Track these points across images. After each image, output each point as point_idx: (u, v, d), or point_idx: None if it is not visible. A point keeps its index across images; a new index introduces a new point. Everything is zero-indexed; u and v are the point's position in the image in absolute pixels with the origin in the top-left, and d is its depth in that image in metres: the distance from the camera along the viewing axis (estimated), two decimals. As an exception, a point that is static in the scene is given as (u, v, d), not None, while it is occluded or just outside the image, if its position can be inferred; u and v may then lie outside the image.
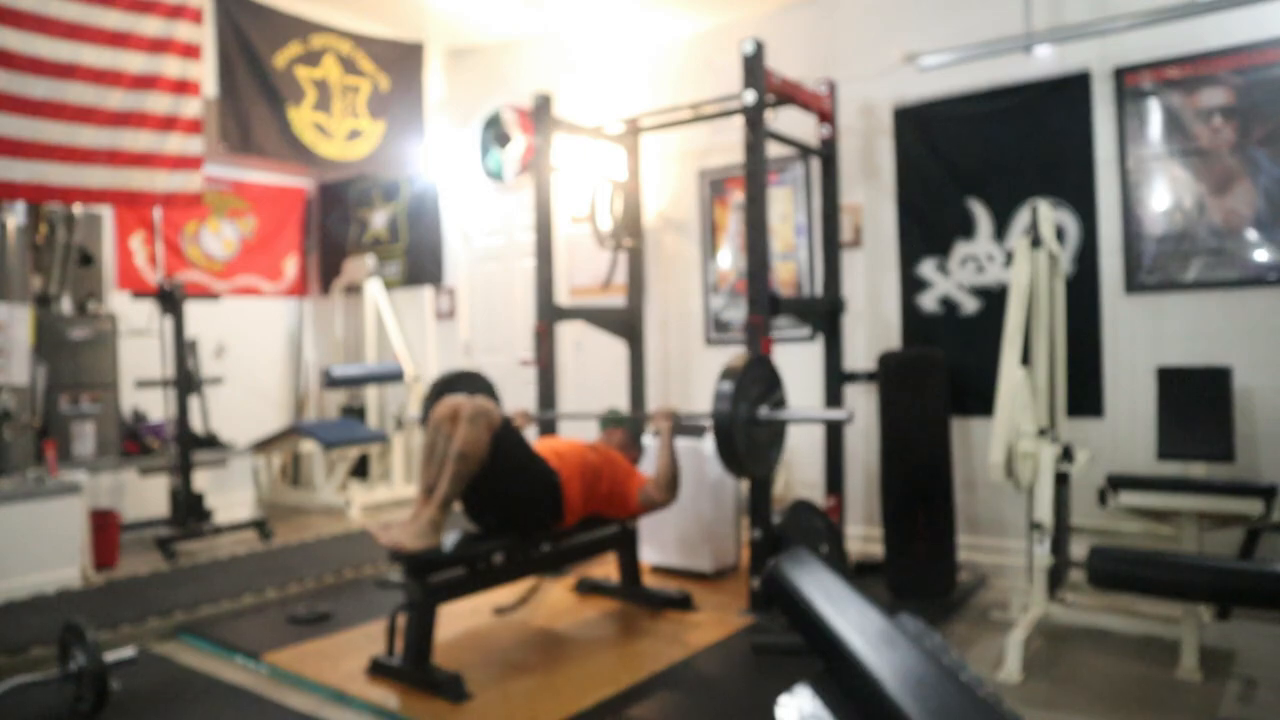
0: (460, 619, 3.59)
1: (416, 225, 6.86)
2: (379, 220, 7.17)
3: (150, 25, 4.75)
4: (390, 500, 6.31)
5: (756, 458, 3.26)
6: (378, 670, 3.04)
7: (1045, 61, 4.10)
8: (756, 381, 3.23)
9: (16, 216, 4.77)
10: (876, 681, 1.24)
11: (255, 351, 7.15)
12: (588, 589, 3.99)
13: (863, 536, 4.62)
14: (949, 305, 4.44)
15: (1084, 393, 3.98)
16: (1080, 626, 3.39)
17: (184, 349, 5.07)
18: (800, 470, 4.86)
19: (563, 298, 5.63)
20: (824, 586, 1.51)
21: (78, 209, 5.33)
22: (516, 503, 3.21)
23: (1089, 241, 4.04)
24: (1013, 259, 3.47)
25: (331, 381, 6.24)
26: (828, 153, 4.39)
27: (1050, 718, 2.67)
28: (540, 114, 4.34)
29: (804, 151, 4.35)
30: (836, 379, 4.37)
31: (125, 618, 3.57)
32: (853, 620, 1.39)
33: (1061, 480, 3.35)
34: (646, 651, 3.27)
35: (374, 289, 6.86)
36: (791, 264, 4.98)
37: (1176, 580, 2.48)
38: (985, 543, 4.28)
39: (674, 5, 5.03)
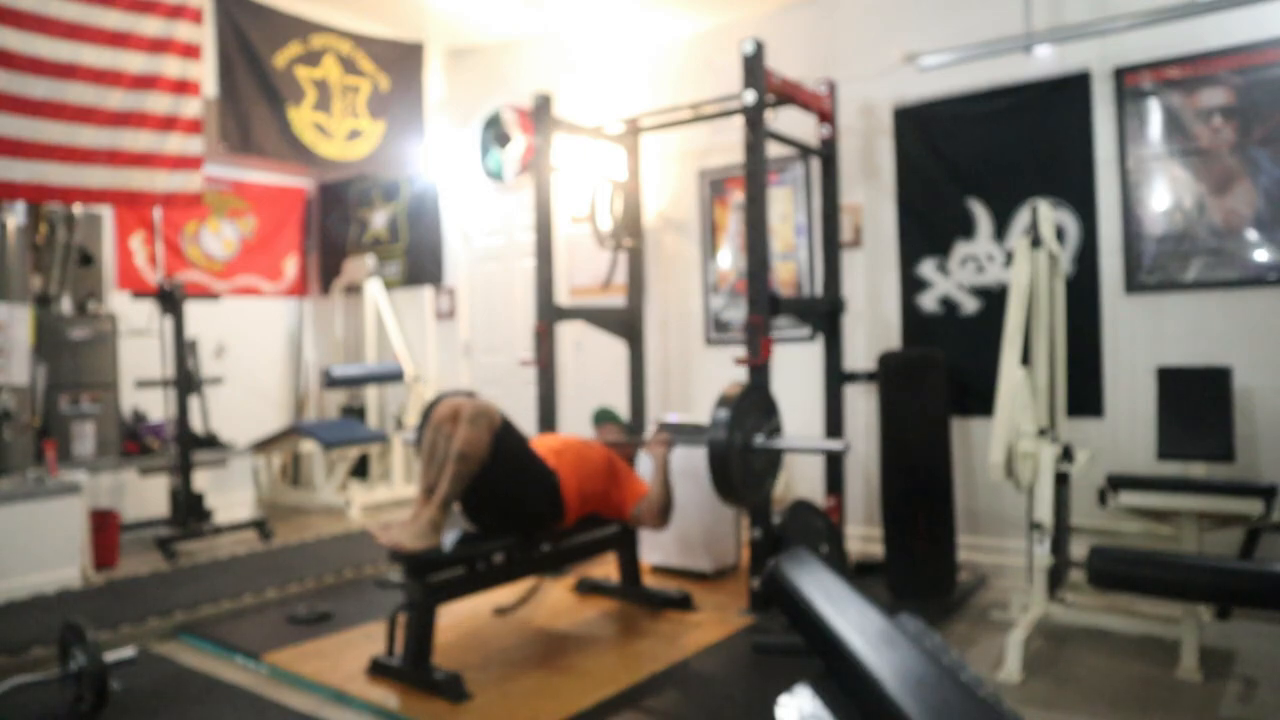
0: (460, 619, 3.59)
1: (416, 225, 6.86)
2: (379, 220, 7.17)
3: (150, 25, 4.75)
4: (390, 500, 6.31)
5: (752, 487, 3.26)
6: (378, 670, 3.04)
7: (1045, 61, 4.10)
8: (752, 410, 3.22)
9: (16, 216, 4.76)
10: (876, 681, 1.24)
11: (255, 351, 7.16)
12: (588, 589, 3.99)
13: (863, 536, 4.62)
14: (949, 305, 4.44)
15: (1084, 393, 3.98)
16: (1080, 626, 3.39)
17: (184, 349, 5.07)
18: (800, 470, 4.85)
19: (563, 298, 5.63)
20: (824, 586, 1.51)
21: (78, 209, 5.33)
22: (516, 503, 3.21)
23: (1089, 241, 4.04)
24: (1013, 259, 3.48)
25: (331, 381, 6.24)
26: (828, 153, 4.39)
27: (1050, 718, 2.67)
28: (540, 114, 4.34)
29: (804, 151, 4.35)
30: (836, 379, 4.37)
31: (125, 618, 3.57)
32: (853, 620, 1.39)
33: (1061, 480, 3.35)
34: (646, 651, 3.27)
35: (374, 289, 6.86)
36: (791, 264, 4.98)
37: (1176, 580, 2.48)
38: (985, 543, 4.28)
39: (674, 5, 5.03)
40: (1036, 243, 3.40)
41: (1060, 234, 4.03)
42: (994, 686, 2.89)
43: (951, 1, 4.38)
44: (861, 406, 4.61)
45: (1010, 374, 3.15)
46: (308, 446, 6.28)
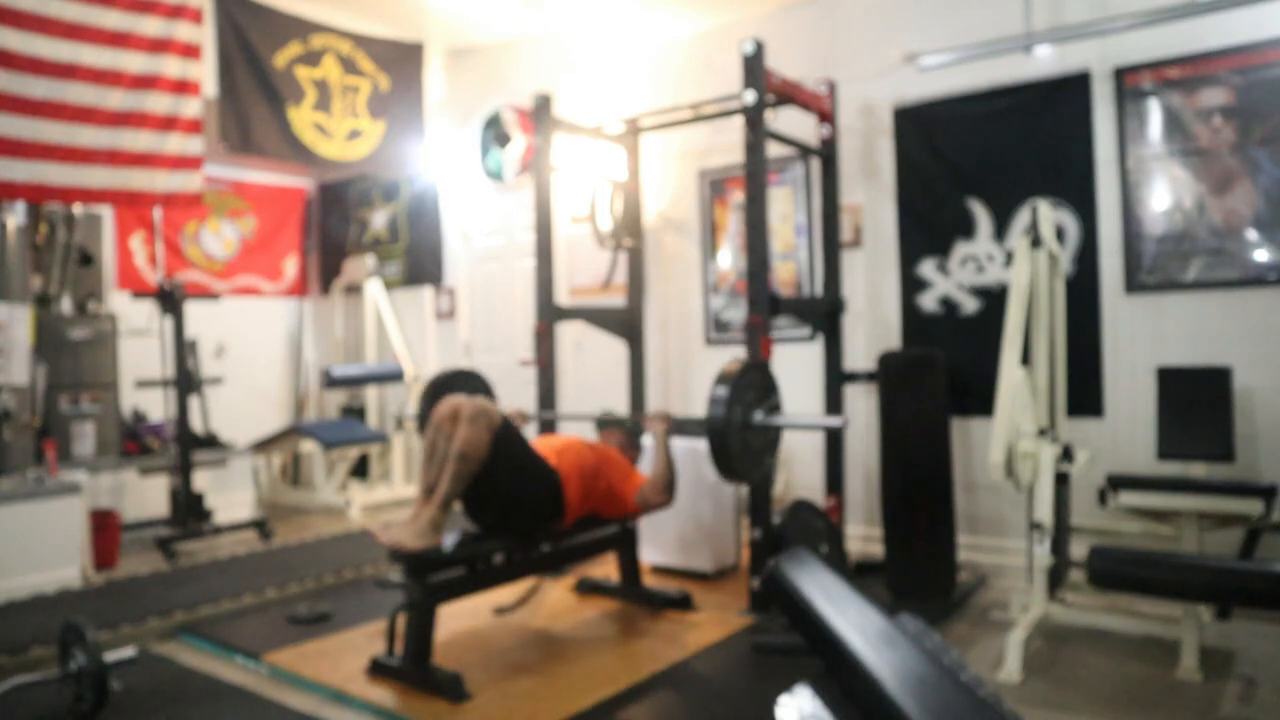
0: (460, 619, 3.59)
1: (416, 225, 6.86)
2: (379, 220, 7.17)
3: (150, 25, 4.75)
4: (390, 500, 6.31)
5: (751, 463, 3.26)
6: (378, 670, 3.04)
7: (1045, 61, 4.10)
8: (752, 387, 3.23)
9: (16, 216, 4.77)
10: (876, 681, 1.24)
11: (255, 351, 7.16)
12: (588, 589, 3.99)
13: (863, 536, 4.62)
14: (949, 305, 4.44)
15: (1084, 393, 3.98)
16: (1080, 626, 3.39)
17: (184, 349, 5.07)
18: (800, 470, 4.86)
19: (563, 298, 5.63)
20: (824, 586, 1.51)
21: (78, 209, 5.33)
22: (517, 502, 3.21)
23: (1089, 241, 4.04)
24: (1013, 259, 3.48)
25: (331, 381, 6.24)
26: (828, 153, 4.39)
27: (1050, 718, 2.67)
28: (540, 114, 4.34)
29: (804, 151, 4.35)
30: (836, 379, 4.37)
31: (125, 618, 3.57)
32: (853, 620, 1.39)
33: (1061, 480, 3.35)
34: (646, 651, 3.27)
35: (374, 289, 6.86)
36: (791, 264, 4.98)
37: (1176, 580, 2.48)
38: (985, 543, 4.28)
39: (674, 5, 5.03)
40: (1036, 243, 3.40)
41: (1060, 234, 4.03)
42: (994, 686, 2.89)
43: (951, 1, 4.38)
44: (861, 406, 4.61)
45: (1010, 374, 3.15)
46: (308, 446, 6.28)
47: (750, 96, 3.63)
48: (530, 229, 5.32)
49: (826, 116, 4.37)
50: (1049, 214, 3.58)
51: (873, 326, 4.67)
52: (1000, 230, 4.29)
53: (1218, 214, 3.76)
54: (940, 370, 3.98)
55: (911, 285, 4.54)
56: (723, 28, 5.15)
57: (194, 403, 5.69)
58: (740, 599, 3.79)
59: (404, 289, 6.96)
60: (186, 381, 5.06)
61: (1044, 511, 3.08)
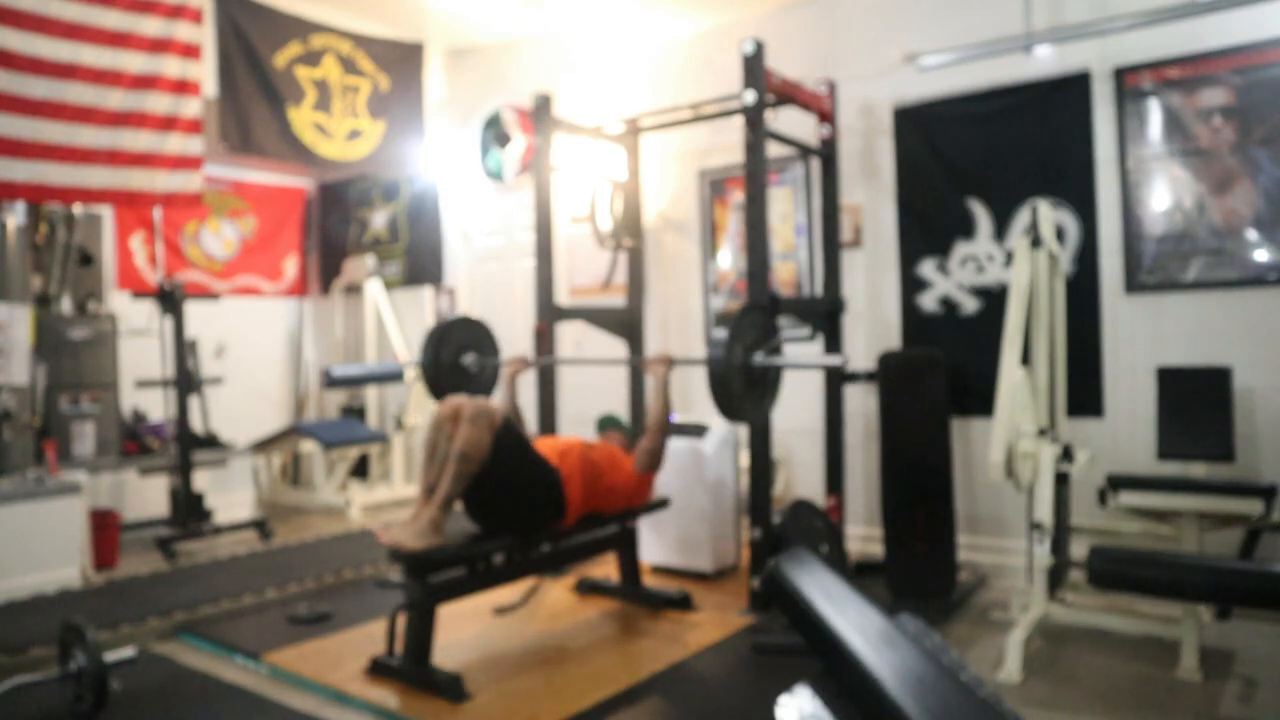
0: (460, 619, 3.59)
1: (416, 225, 6.86)
2: (379, 220, 7.17)
3: (150, 25, 4.75)
4: (390, 500, 6.30)
5: (752, 403, 3.26)
6: (378, 670, 3.04)
7: (1045, 61, 4.10)
8: (752, 328, 3.24)
9: (16, 216, 4.77)
10: (876, 681, 1.24)
11: (255, 351, 7.15)
12: (588, 589, 3.99)
13: (863, 536, 4.61)
14: (949, 305, 4.44)
15: (1084, 393, 3.98)
16: (1080, 626, 3.39)
17: (184, 349, 5.07)
18: (800, 470, 4.86)
19: (563, 298, 5.63)
20: (824, 586, 1.51)
21: (78, 209, 5.33)
22: (518, 502, 3.21)
23: (1089, 241, 4.04)
24: (1013, 259, 3.48)
25: (331, 381, 6.24)
26: (828, 153, 4.39)
27: (1050, 718, 2.67)
28: (540, 114, 4.34)
29: (804, 151, 4.35)
30: (837, 379, 4.37)
31: (125, 618, 3.57)
32: (853, 620, 1.39)
33: (1061, 480, 3.35)
34: (646, 651, 3.27)
35: (374, 289, 6.86)
36: (791, 264, 4.98)
37: (1176, 580, 2.48)
38: (985, 543, 4.28)
39: (674, 5, 5.03)
40: (1036, 243, 3.40)
41: (1060, 234, 4.03)
42: (994, 686, 2.89)
43: (951, 1, 4.38)
44: (861, 406, 4.61)
45: (1010, 374, 3.15)
46: (308, 446, 6.28)
47: (750, 96, 3.63)
48: (530, 229, 5.31)
49: (826, 116, 4.37)
50: (1049, 214, 3.58)
51: (873, 326, 4.67)
52: (1000, 230, 4.29)
53: (1218, 214, 3.76)
54: (940, 370, 3.98)
55: (911, 285, 4.54)
56: (723, 28, 5.15)
57: (194, 403, 5.68)
58: (740, 599, 3.79)
59: (404, 289, 6.96)
60: (186, 381, 5.06)
61: (1044, 511, 3.08)
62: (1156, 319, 3.90)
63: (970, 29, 4.24)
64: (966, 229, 4.38)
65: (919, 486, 3.90)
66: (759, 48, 3.64)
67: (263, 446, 6.27)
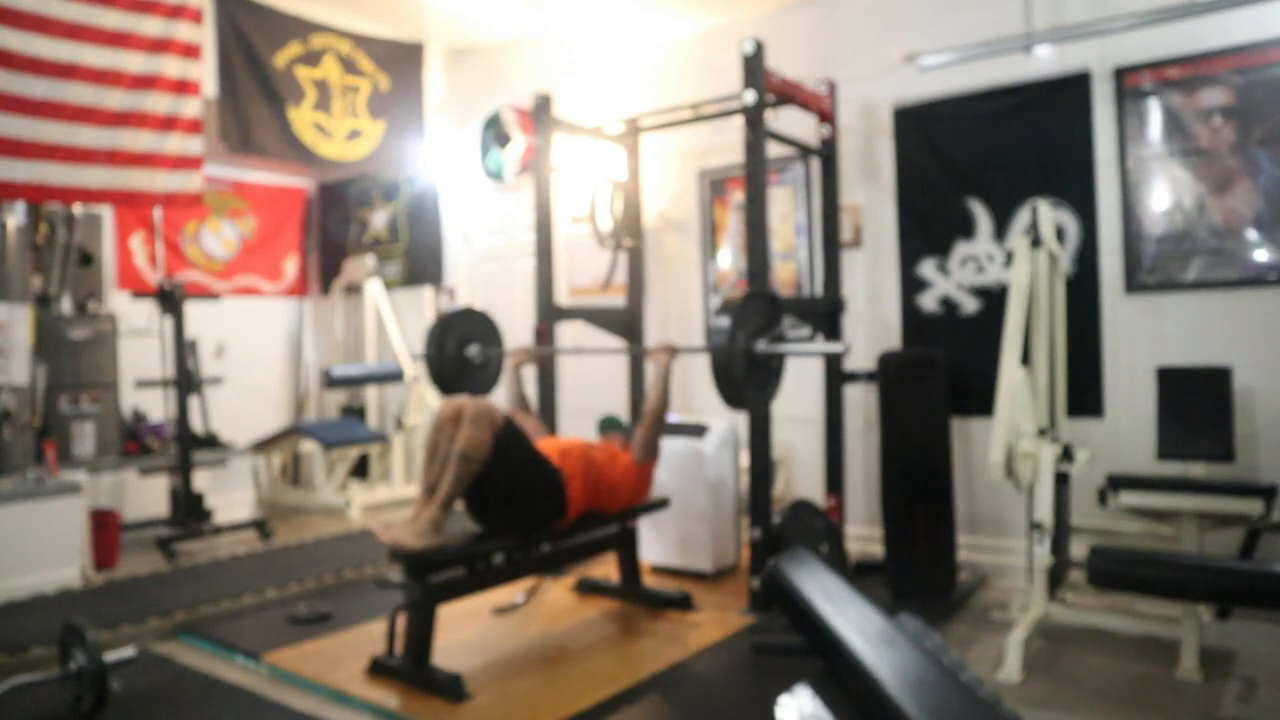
0: (460, 619, 3.59)
1: (416, 225, 6.86)
2: (379, 220, 7.17)
3: (150, 25, 4.75)
4: (390, 500, 6.30)
5: (755, 389, 3.26)
6: (378, 670, 3.04)
7: (1045, 61, 4.10)
8: (755, 315, 3.24)
9: (16, 216, 4.76)
10: (876, 681, 1.24)
11: (255, 351, 7.15)
12: (588, 589, 3.99)
13: (863, 536, 4.61)
14: (949, 305, 4.44)
15: (1084, 393, 3.98)
16: (1080, 626, 3.39)
17: (184, 349, 5.07)
18: (800, 470, 4.86)
19: (563, 298, 5.63)
20: (824, 586, 1.51)
21: (78, 209, 5.33)
22: (520, 501, 3.21)
23: (1089, 241, 4.04)
24: (1013, 259, 3.48)
25: (331, 381, 6.24)
26: (828, 153, 4.39)
27: (1050, 718, 2.67)
28: (540, 114, 4.34)
29: (804, 151, 4.35)
30: (836, 379, 4.37)
31: (125, 618, 3.57)
32: (853, 620, 1.39)
33: (1061, 480, 3.35)
34: (646, 651, 3.27)
35: (374, 289, 6.85)
36: (791, 264, 4.98)
37: (1176, 580, 2.48)
38: (985, 543, 4.28)
39: (674, 5, 5.03)
40: (1036, 243, 3.40)
41: (1060, 234, 4.03)
42: (994, 686, 2.89)
43: (951, 1, 4.38)
44: (861, 406, 4.61)
45: (1010, 374, 3.15)
46: (308, 446, 6.28)
47: (750, 96, 3.63)
48: (530, 229, 5.31)
49: (826, 116, 4.37)
50: (1049, 214, 3.58)
51: (873, 326, 4.67)
52: (1000, 230, 4.29)
53: (1218, 214, 3.76)
54: (940, 370, 3.98)
55: (911, 285, 4.54)
56: (723, 28, 5.15)
57: (194, 403, 5.68)
58: (740, 599, 3.79)
59: (404, 289, 6.96)
60: (186, 381, 5.06)
61: (1044, 511, 3.08)
62: (1156, 319, 3.90)
63: (970, 29, 4.24)
64: (966, 229, 4.38)
65: (919, 486, 3.90)
66: (759, 48, 3.64)
67: (263, 446, 6.27)
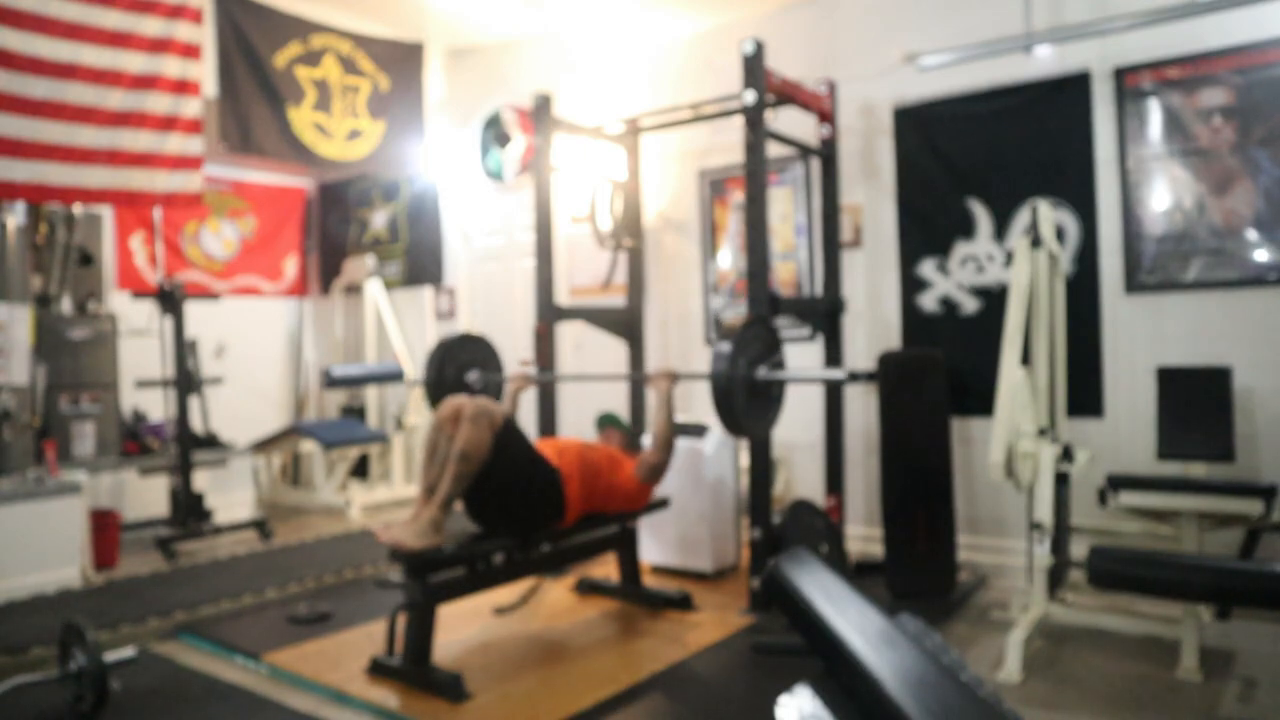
0: (460, 619, 3.59)
1: (416, 225, 6.86)
2: (379, 220, 7.17)
3: (150, 25, 4.75)
4: (390, 500, 6.30)
5: (755, 417, 3.26)
6: (378, 670, 3.04)
7: (1045, 61, 4.10)
8: (755, 341, 3.24)
9: (16, 216, 4.77)
10: (876, 681, 1.24)
11: (255, 351, 7.16)
12: (588, 589, 3.99)
13: (863, 536, 4.61)
14: (949, 305, 4.44)
15: (1084, 393, 3.98)
16: (1080, 626, 3.39)
17: (184, 349, 5.07)
18: (800, 470, 4.86)
19: (563, 298, 5.63)
20: (824, 586, 1.51)
21: (78, 209, 5.33)
22: (519, 502, 3.21)
23: (1089, 241, 4.04)
24: (1013, 259, 3.48)
25: (331, 381, 6.22)
26: (828, 153, 4.39)
27: (1050, 718, 2.67)
28: (540, 114, 4.34)
29: (804, 151, 4.35)
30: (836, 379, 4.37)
31: (125, 618, 3.57)
32: (853, 620, 1.39)
33: (1061, 480, 3.35)
34: (646, 651, 3.27)
35: (374, 289, 6.86)
36: (791, 264, 4.98)
37: (1176, 580, 2.48)
38: (985, 543, 4.28)
39: (674, 5, 5.03)
40: (1036, 243, 3.40)
41: (1060, 234, 4.03)
42: (994, 686, 2.89)
43: (951, 1, 4.38)
44: (861, 406, 4.61)
45: (1010, 374, 3.15)
46: (308, 446, 6.28)
47: (750, 96, 3.63)
48: (530, 229, 5.32)
49: (826, 116, 4.37)
50: (1049, 214, 3.58)
51: (873, 326, 4.67)
52: (1000, 230, 4.29)
53: (1218, 214, 3.76)
54: (940, 370, 3.98)
55: (911, 285, 4.54)
56: (723, 28, 5.15)
57: (194, 403, 5.68)
58: (740, 599, 3.79)
59: (404, 289, 6.96)
60: (186, 381, 5.07)
61: (1044, 511, 3.08)
62: (1156, 319, 3.90)
63: (970, 29, 4.24)
64: (966, 229, 4.38)
65: (919, 486, 3.90)
66: (759, 48, 3.64)
67: (263, 446, 6.27)
